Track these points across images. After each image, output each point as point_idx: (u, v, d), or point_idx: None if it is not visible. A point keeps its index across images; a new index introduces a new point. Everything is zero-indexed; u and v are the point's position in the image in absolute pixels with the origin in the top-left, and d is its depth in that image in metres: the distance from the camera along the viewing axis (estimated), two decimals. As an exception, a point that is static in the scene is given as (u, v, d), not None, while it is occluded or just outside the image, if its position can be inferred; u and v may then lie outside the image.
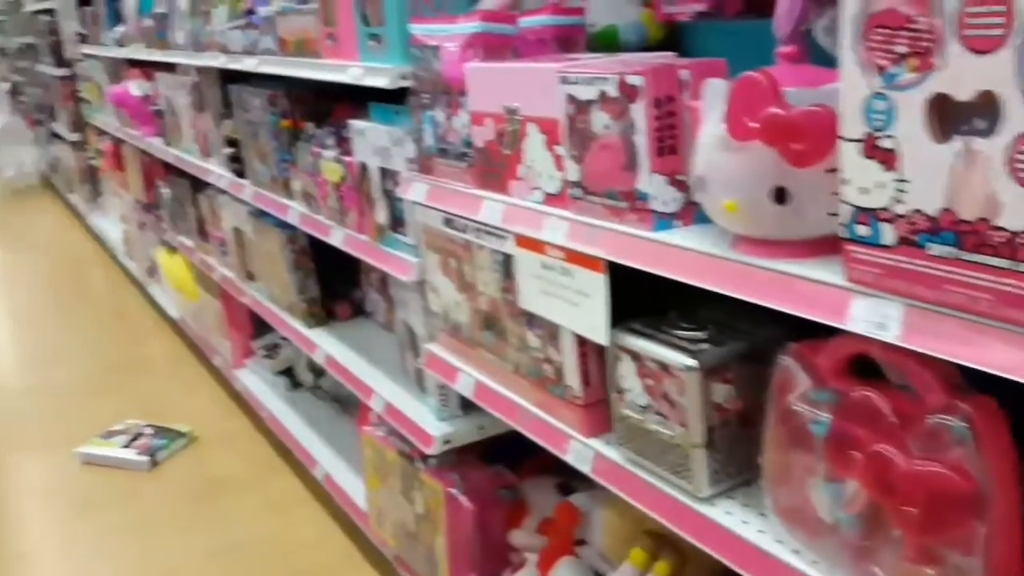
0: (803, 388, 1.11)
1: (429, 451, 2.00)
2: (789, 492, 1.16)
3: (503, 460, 2.17)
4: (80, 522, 2.98)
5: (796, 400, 1.12)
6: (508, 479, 2.15)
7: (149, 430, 3.46)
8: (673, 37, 1.69)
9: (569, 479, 2.10)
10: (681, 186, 1.21)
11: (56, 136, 7.79)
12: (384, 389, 2.25)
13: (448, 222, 1.71)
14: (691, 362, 1.21)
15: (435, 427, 2.02)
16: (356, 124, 1.97)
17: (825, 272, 1.02)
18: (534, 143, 1.41)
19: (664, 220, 1.21)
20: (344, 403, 3.07)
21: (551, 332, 1.46)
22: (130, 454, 3.29)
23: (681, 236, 1.19)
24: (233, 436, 3.47)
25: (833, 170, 0.98)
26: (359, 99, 2.34)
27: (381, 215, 1.96)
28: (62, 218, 7.60)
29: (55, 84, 7.08)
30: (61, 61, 6.60)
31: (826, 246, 1.04)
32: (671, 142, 1.20)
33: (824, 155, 0.98)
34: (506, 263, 1.54)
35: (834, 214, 0.99)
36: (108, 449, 3.33)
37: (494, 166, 1.54)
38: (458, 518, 2.03)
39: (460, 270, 1.71)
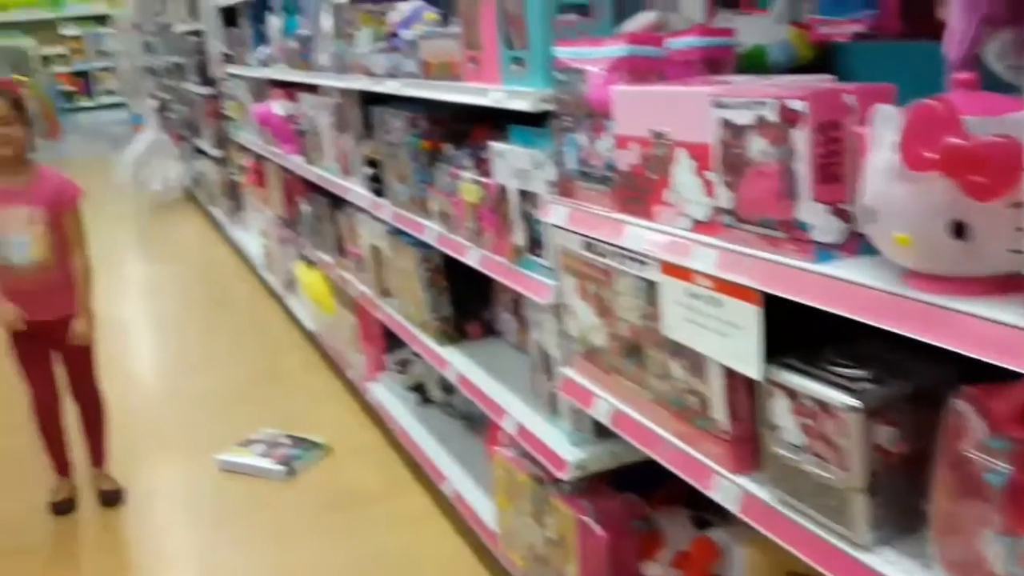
0: (978, 435, 1.04)
1: (562, 476, 1.98)
2: (958, 544, 1.09)
3: (633, 488, 2.13)
4: (219, 528, 3.09)
5: (969, 447, 1.05)
6: (641, 508, 2.10)
7: (286, 440, 3.57)
8: (823, 58, 1.62)
9: (703, 511, 2.05)
10: (844, 216, 1.16)
11: (200, 152, 8.20)
12: (516, 410, 2.25)
13: (588, 246, 1.69)
14: (853, 402, 1.15)
15: (568, 452, 2.00)
16: (496, 146, 1.98)
17: (1006, 312, 0.95)
18: (683, 168, 1.38)
19: (825, 251, 1.16)
20: (473, 421, 3.08)
21: (696, 362, 1.42)
22: (268, 463, 3.40)
23: (845, 268, 1.13)
24: (366, 449, 3.55)
25: (1018, 204, 0.91)
26: (497, 121, 2.36)
27: (519, 237, 1.96)
28: (204, 231, 7.98)
29: (200, 102, 7.46)
30: (207, 80, 6.95)
31: (1006, 284, 0.97)
32: (834, 170, 1.14)
33: (1008, 188, 0.92)
34: (649, 290, 1.51)
35: (1017, 251, 0.92)
36: (246, 457, 3.46)
37: (638, 190, 1.51)
38: (590, 546, 2.00)
39: (599, 295, 1.68)
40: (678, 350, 1.46)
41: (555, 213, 1.77)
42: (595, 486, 2.07)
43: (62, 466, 3.26)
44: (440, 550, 2.82)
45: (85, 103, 20.03)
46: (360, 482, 3.30)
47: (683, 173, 1.38)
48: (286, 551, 2.90)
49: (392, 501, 3.14)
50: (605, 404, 1.75)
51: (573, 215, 1.71)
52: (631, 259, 1.55)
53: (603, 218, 1.61)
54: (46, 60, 18.26)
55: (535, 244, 1.93)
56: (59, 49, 19.38)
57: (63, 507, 3.17)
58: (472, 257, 2.25)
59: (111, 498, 3.21)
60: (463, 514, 2.72)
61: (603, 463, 2.01)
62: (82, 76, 20.21)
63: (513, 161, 1.91)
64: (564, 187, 1.76)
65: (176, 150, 9.19)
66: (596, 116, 1.63)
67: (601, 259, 1.65)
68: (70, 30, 19.51)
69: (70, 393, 3.19)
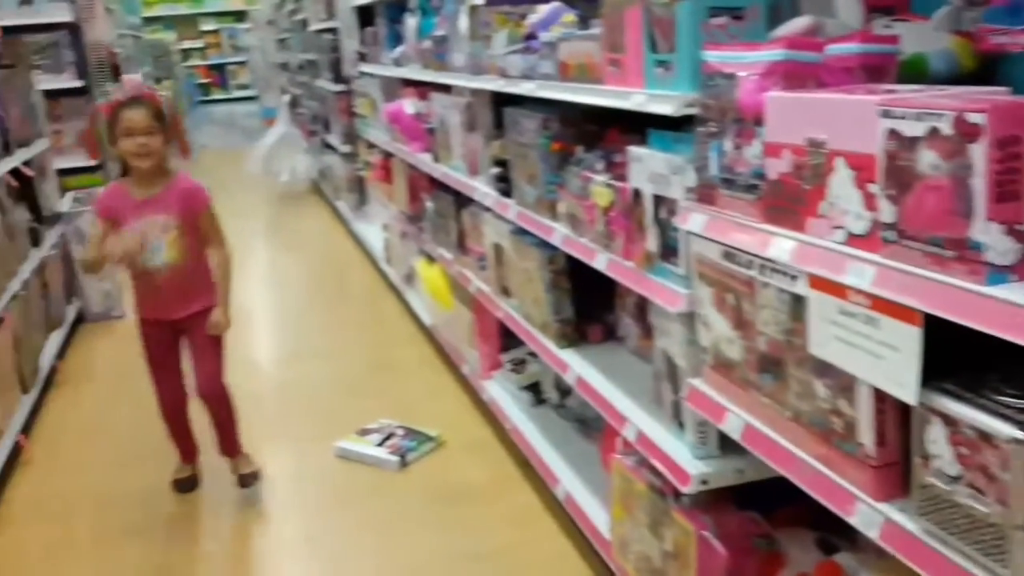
0: None
1: (685, 489, 1.94)
2: None
3: (754, 506, 2.07)
4: (334, 513, 3.17)
5: None
6: (763, 527, 2.04)
7: (400, 431, 3.63)
8: (986, 69, 1.54)
9: (829, 534, 1.97)
10: (1020, 236, 1.09)
11: (328, 146, 8.44)
12: (637, 418, 2.22)
13: (727, 255, 1.65)
14: (1019, 434, 1.08)
15: (692, 465, 1.96)
16: (634, 150, 1.95)
17: None
18: (841, 179, 1.32)
19: (998, 273, 1.09)
20: (588, 425, 3.06)
21: (843, 383, 1.37)
22: (382, 453, 3.47)
23: (1019, 292, 1.06)
24: (477, 444, 3.57)
25: None
26: (631, 125, 2.33)
27: (651, 243, 1.93)
28: (328, 222, 8.21)
29: (332, 98, 7.67)
30: (339, 78, 7.14)
31: None
32: (1012, 187, 1.08)
33: None
34: (794, 304, 1.46)
35: None
36: (362, 446, 3.53)
37: (788, 200, 1.46)
38: (710, 563, 1.95)
39: (738, 306, 1.64)
40: (823, 369, 1.41)
41: (693, 220, 1.73)
42: (717, 501, 2.02)
43: (187, 454, 3.37)
44: (547, 550, 2.81)
45: (219, 95, 20.95)
46: (470, 477, 3.32)
47: (841, 184, 1.33)
48: (397, 540, 2.95)
49: (501, 498, 3.15)
50: (736, 419, 1.71)
51: (713, 223, 1.68)
52: (777, 271, 1.50)
53: (747, 227, 1.57)
54: (185, 53, 19.17)
55: (668, 251, 1.90)
56: (197, 43, 20.30)
57: (185, 485, 3.31)
58: (600, 261, 2.24)
59: (249, 480, 3.26)
60: (574, 517, 2.71)
61: (727, 479, 1.96)
62: (217, 69, 21.15)
63: (651, 165, 1.89)
64: (704, 194, 1.72)
65: (305, 144, 9.49)
66: (745, 122, 1.59)
67: (742, 269, 1.60)
68: (209, 25, 20.42)
69: (197, 391, 3.21)
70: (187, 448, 3.37)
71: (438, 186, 4.14)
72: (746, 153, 1.59)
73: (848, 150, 1.31)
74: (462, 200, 3.82)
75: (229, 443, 3.31)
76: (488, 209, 3.26)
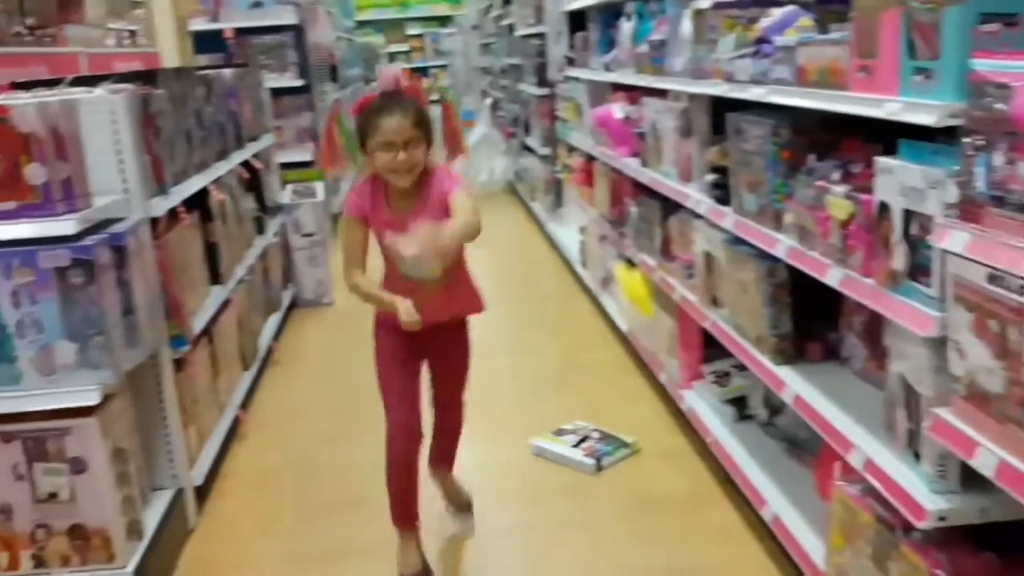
0: None
1: (920, 525, 1.82)
2: None
3: (991, 547, 1.92)
4: (531, 510, 3.20)
5: None
6: (1003, 571, 1.89)
7: (596, 434, 3.63)
8: None
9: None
10: None
11: (527, 149, 8.58)
12: (865, 444, 2.10)
13: (994, 278, 1.53)
14: None
15: (929, 499, 1.84)
16: (884, 161, 1.85)
17: None
18: None
19: None
20: (798, 446, 2.94)
21: None
22: (578, 454, 3.48)
23: None
24: (673, 454, 3.52)
25: None
26: (869, 135, 2.22)
27: (898, 260, 1.83)
28: (523, 223, 8.34)
29: (534, 102, 7.80)
30: (543, 81, 7.24)
31: None
32: None
33: None
34: (1077, 335, 1.34)
35: None
36: (559, 446, 3.55)
37: (1075, 223, 1.34)
38: (942, 604, 1.82)
39: (1002, 334, 1.52)
40: (1111, 408, 1.28)
41: (953, 238, 1.62)
42: (952, 539, 1.89)
43: (406, 519, 2.74)
44: (749, 572, 2.73)
45: (420, 97, 21.74)
46: (667, 487, 3.27)
47: None
48: (595, 544, 2.94)
49: (699, 512, 3.08)
50: (990, 455, 1.58)
51: (977, 242, 1.56)
52: (1055, 298, 1.38)
53: (1021, 250, 1.45)
54: (391, 56, 20.09)
55: (917, 270, 1.79)
56: (403, 47, 21.24)
57: None
58: (832, 277, 2.14)
59: (466, 508, 3.08)
60: (782, 541, 2.61)
61: (968, 517, 1.83)
62: (420, 72, 22.00)
63: (903, 178, 1.78)
64: (967, 211, 1.61)
65: (503, 145, 9.70)
66: (1019, 135, 1.47)
67: (1012, 295, 1.48)
68: (414, 29, 21.29)
69: (434, 409, 2.89)
70: (408, 511, 2.74)
71: (643, 191, 4.11)
72: (1021, 170, 1.47)
73: None
74: (669, 206, 3.77)
75: (450, 458, 3.00)
76: (700, 216, 3.20)
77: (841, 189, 2.08)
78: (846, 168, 2.21)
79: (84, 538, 2.57)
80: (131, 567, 2.60)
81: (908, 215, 1.80)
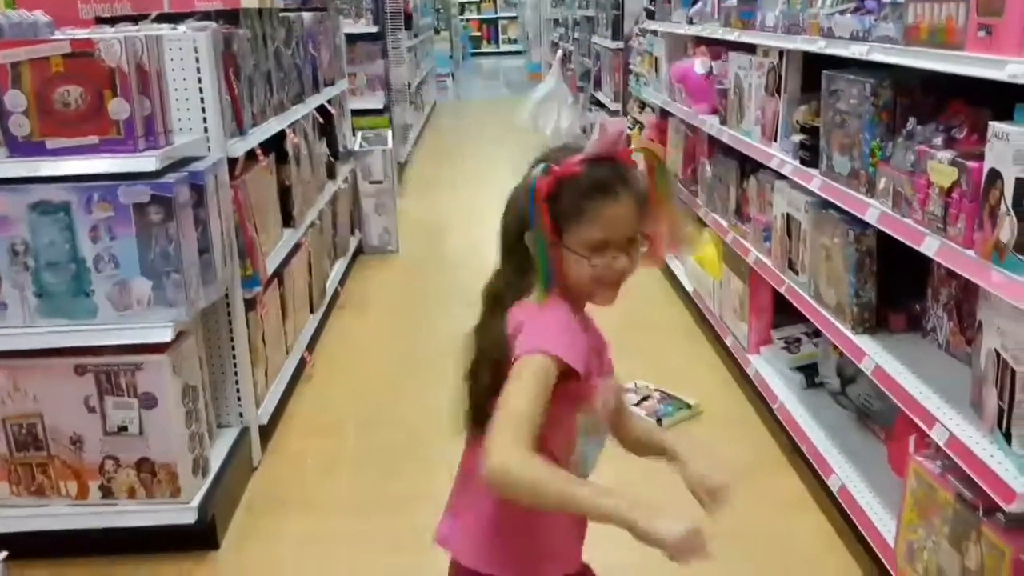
0: None
1: (1008, 508, 1.75)
2: None
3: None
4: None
5: None
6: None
7: (657, 394, 3.59)
8: None
9: None
10: None
11: (596, 103, 8.44)
12: (949, 420, 2.03)
13: (1116, 254, 1.44)
14: None
15: (1019, 482, 1.76)
16: (998, 126, 1.74)
17: None
18: None
19: None
20: (871, 418, 2.87)
21: None
22: (639, 413, 3.44)
23: None
24: (736, 419, 3.47)
25: None
26: (978, 100, 2.10)
27: (1006, 232, 1.73)
28: (588, 179, 8.23)
29: (607, 55, 7.65)
30: (617, 34, 7.09)
31: None
32: None
33: None
34: None
35: None
36: (622, 404, 3.52)
37: None
38: (1026, 589, 1.76)
39: (1120, 313, 1.43)
40: None
41: (1071, 210, 1.52)
42: (1037, 525, 1.82)
43: None
44: (813, 543, 2.68)
45: (488, 48, 21.69)
46: (728, 451, 3.22)
47: None
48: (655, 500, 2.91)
49: (762, 478, 3.03)
50: (1095, 439, 1.50)
51: (1099, 215, 1.46)
52: None
53: None
54: (462, 7, 19.92)
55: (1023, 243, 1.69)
56: (473, -2, 21.06)
57: None
58: (929, 246, 2.04)
59: None
60: (849, 512, 2.55)
61: (1059, 503, 1.75)
62: (489, 23, 21.87)
63: (1020, 144, 1.68)
64: (1090, 182, 1.51)
65: (571, 99, 9.55)
66: None
67: None
68: (486, -20, 21.08)
69: None
70: None
71: (721, 150, 4.01)
72: None
73: None
74: (746, 166, 3.67)
75: None
76: (783, 177, 3.10)
77: (945, 155, 1.98)
78: (950, 133, 2.10)
79: (151, 472, 2.62)
80: (195, 502, 2.65)
81: (1020, 184, 1.70)
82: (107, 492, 2.64)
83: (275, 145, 3.73)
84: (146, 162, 2.46)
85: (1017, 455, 1.80)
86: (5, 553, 2.13)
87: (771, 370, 3.43)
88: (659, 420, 3.40)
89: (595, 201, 1.43)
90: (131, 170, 2.47)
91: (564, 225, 1.43)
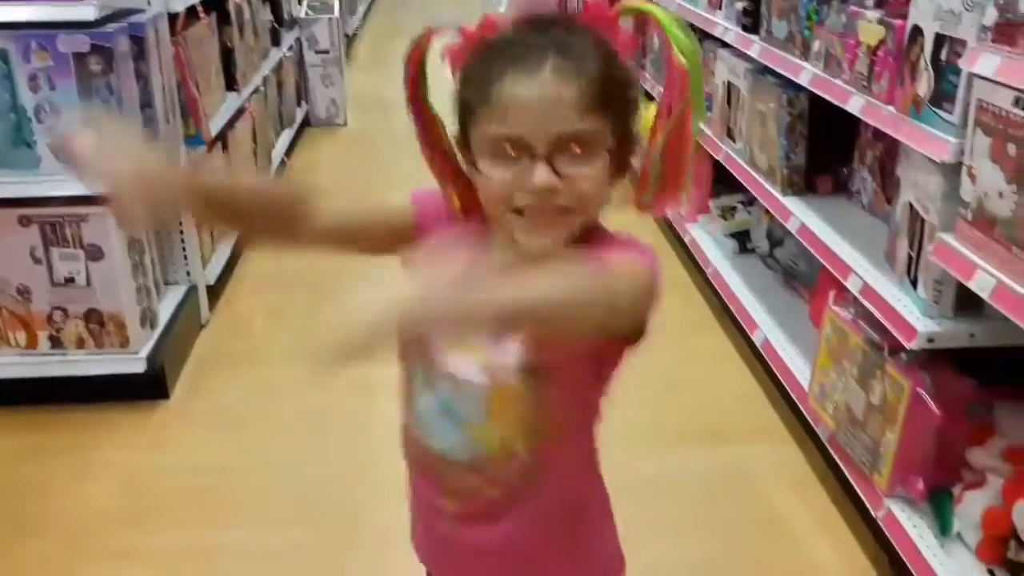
0: None
1: (909, 345, 1.91)
2: None
3: (972, 375, 2.02)
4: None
5: None
6: (981, 395, 1.99)
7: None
8: None
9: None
10: None
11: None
12: (863, 270, 2.17)
13: (1019, 101, 1.54)
14: None
15: (920, 322, 1.91)
16: (922, -17, 1.82)
17: None
18: None
19: None
20: (795, 277, 3.03)
21: None
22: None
23: None
24: (675, 285, 3.60)
25: None
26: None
27: (923, 86, 1.83)
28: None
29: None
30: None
31: None
32: None
33: None
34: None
35: None
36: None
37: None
38: (920, 420, 1.93)
39: (1019, 158, 1.54)
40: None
41: (983, 62, 1.61)
42: (937, 362, 1.98)
43: None
44: (735, 388, 2.88)
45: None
46: (665, 314, 3.37)
47: None
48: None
49: (695, 337, 3.20)
50: (988, 277, 1.64)
51: (1007, 65, 1.56)
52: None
53: (1049, 72, 1.45)
54: None
55: (941, 97, 1.79)
56: None
57: None
58: (854, 104, 2.14)
59: None
60: (770, 362, 2.73)
61: (956, 341, 1.91)
62: None
63: (941, 1, 1.75)
64: (1003, 33, 1.60)
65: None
66: (1066, -44, 1.44)
67: (1034, 117, 1.50)
68: None
69: None
70: None
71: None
72: (1062, -10, 1.45)
73: None
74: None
75: None
76: (726, 45, 3.15)
77: (874, 14, 2.05)
78: (882, -6, 2.17)
79: (99, 323, 2.67)
80: (144, 353, 2.71)
81: (939, 40, 1.78)
82: (56, 342, 2.69)
83: (216, 5, 3.65)
84: (85, 11, 2.42)
85: (921, 298, 1.95)
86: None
87: (707, 237, 3.56)
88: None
89: (501, 86, 0.95)
90: (69, 18, 2.43)
91: (475, 109, 0.99)
